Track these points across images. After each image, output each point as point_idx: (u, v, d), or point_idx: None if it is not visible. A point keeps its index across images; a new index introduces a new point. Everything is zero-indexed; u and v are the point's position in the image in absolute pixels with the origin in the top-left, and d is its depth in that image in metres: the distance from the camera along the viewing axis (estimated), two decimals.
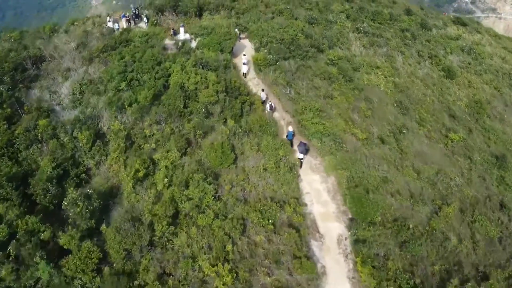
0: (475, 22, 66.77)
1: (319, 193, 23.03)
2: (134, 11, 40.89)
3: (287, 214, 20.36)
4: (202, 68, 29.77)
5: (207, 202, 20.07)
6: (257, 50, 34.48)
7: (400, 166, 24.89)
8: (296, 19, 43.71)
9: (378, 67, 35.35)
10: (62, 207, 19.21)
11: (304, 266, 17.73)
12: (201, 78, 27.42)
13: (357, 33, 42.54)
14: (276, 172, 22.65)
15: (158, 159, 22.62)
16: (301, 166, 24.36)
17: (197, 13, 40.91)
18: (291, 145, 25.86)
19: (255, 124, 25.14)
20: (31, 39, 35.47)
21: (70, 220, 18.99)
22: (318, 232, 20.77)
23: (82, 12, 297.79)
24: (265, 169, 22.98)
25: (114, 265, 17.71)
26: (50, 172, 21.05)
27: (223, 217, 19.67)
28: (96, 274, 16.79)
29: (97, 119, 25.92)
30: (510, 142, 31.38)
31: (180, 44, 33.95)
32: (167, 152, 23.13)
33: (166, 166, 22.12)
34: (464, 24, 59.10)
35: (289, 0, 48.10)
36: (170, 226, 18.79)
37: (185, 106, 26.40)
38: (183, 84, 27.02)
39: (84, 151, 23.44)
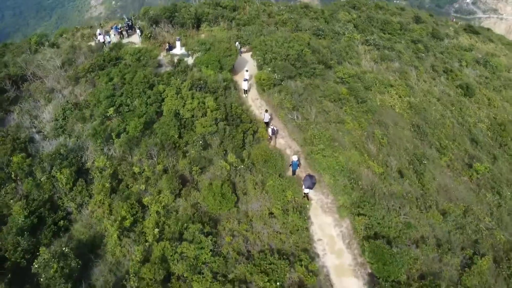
0: (485, 29, 63.79)
1: (332, 240, 20.14)
2: (127, 22, 38.04)
3: (297, 273, 17.43)
4: (200, 90, 26.89)
5: (204, 259, 17.17)
6: (260, 67, 31.56)
7: (423, 205, 21.97)
8: (301, 30, 40.93)
9: (391, 85, 32.46)
10: (32, 270, 16.28)
11: None
12: (199, 103, 24.52)
13: (367, 46, 39.65)
14: (283, 218, 19.74)
15: (148, 203, 19.69)
16: (308, 198, 21.63)
17: (195, 24, 37.99)
18: (293, 174, 23.26)
19: (258, 158, 22.22)
20: (13, 54, 32.57)
21: (41, 285, 16.07)
22: None
23: (81, 12, 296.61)
24: (271, 213, 20.10)
25: None
26: (23, 221, 18.15)
27: (223, 278, 16.76)
28: None
29: (81, 152, 23.00)
30: None
31: (175, 61, 31.00)
32: (159, 193, 20.23)
33: (157, 212, 19.22)
34: (476, 33, 56.28)
35: (293, 9, 45.29)
36: None
37: (180, 136, 23.53)
38: (178, 111, 24.12)
39: (64, 192, 20.51)
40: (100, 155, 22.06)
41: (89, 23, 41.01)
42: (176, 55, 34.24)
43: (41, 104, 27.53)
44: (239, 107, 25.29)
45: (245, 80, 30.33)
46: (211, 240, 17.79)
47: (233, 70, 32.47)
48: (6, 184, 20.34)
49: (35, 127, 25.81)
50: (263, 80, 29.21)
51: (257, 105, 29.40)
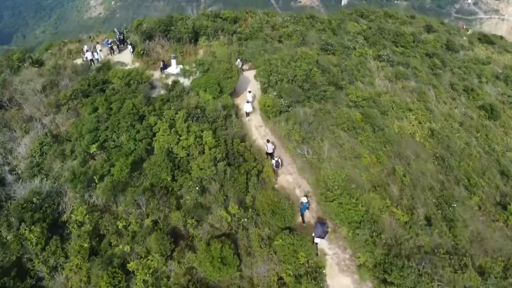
0: (499, 38, 60.56)
1: None
2: (118, 36, 34.76)
3: None
4: (197, 120, 23.69)
5: None
6: (264, 90, 28.31)
7: (457, 263, 18.73)
8: (307, 43, 37.70)
9: (410, 110, 29.23)
10: None
11: None
12: (195, 138, 21.31)
13: (380, 62, 36.40)
14: (295, 286, 16.53)
15: (134, 269, 16.48)
16: (316, 249, 18.62)
17: (192, 39, 34.75)
18: (303, 220, 20.36)
19: (265, 207, 19.00)
20: None
21: None
22: None
23: (80, 12, 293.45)
24: (280, 279, 16.92)
25: None
26: None
27: None
28: None
29: (58, 197, 19.84)
30: None
31: (170, 83, 27.77)
32: (147, 254, 17.03)
33: (144, 280, 16.01)
34: (491, 42, 53.03)
35: (298, 19, 42.05)
36: None
37: (173, 179, 20.31)
38: (171, 148, 20.90)
39: (35, 253, 17.32)
40: (80, 204, 18.88)
41: (78, 36, 37.76)
42: (171, 74, 31.07)
43: (17, 135, 24.43)
44: (241, 144, 22.00)
45: (248, 102, 27.21)
46: None
47: (234, 92, 29.27)
48: None
49: (8, 164, 22.73)
50: (268, 106, 25.98)
51: (261, 134, 26.20)
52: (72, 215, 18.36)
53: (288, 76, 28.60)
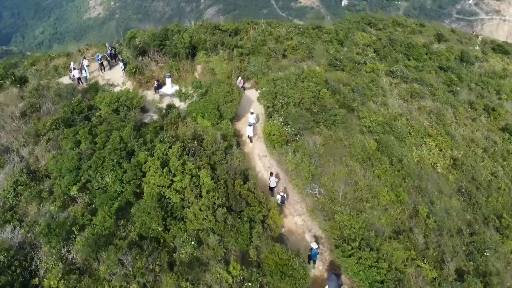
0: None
1: None
2: (110, 50, 32.01)
3: None
4: (193, 155, 20.91)
5: None
6: (268, 115, 25.56)
7: None
8: (313, 56, 34.99)
9: (429, 135, 26.48)
10: None
11: None
12: (191, 179, 18.52)
13: (392, 78, 33.65)
14: None
15: None
16: None
17: (190, 54, 31.98)
18: (313, 265, 17.93)
19: (271, 267, 16.24)
20: None
21: None
22: None
23: (80, 13, 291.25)
24: None
25: None
26: None
27: None
28: None
29: (32, 251, 17.07)
30: None
31: (164, 108, 24.99)
32: None
33: None
34: (506, 52, 50.29)
35: (303, 31, 39.26)
36: None
37: (166, 228, 17.54)
38: (164, 193, 18.12)
39: None
40: (55, 262, 16.09)
41: (66, 50, 34.95)
42: (166, 95, 28.35)
43: None
44: (243, 185, 19.18)
45: (250, 125, 24.52)
46: None
47: (235, 115, 26.53)
48: None
49: None
50: (273, 135, 23.23)
51: (265, 165, 23.47)
52: (45, 279, 15.55)
53: (294, 98, 25.86)
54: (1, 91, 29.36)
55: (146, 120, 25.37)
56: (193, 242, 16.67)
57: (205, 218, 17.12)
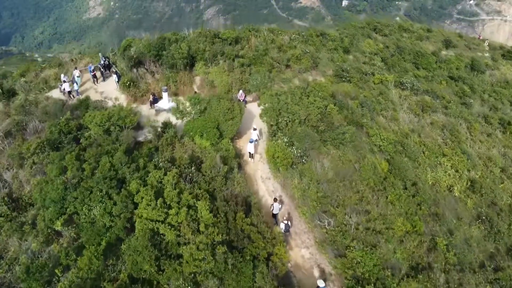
0: None
1: None
2: (103, 61, 30.20)
3: None
4: (191, 182, 19.13)
5: None
6: (272, 134, 23.77)
7: None
8: (318, 65, 33.20)
9: (444, 155, 24.71)
10: None
11: None
12: (187, 213, 16.73)
13: (402, 89, 31.87)
14: None
15: None
16: None
17: (188, 64, 30.17)
18: None
19: None
20: None
21: None
22: None
23: (80, 13, 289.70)
24: None
25: None
26: None
27: None
28: None
29: None
30: None
31: (160, 126, 23.18)
32: None
33: None
34: None
35: (307, 38, 37.44)
36: None
37: (159, 269, 15.75)
38: (157, 229, 16.33)
39: None
40: None
41: (66, 50, 33.09)
42: (163, 110, 26.56)
43: None
44: (246, 219, 17.40)
45: (251, 141, 22.78)
46: None
47: (237, 132, 24.75)
48: None
49: None
50: (278, 158, 21.44)
51: (269, 189, 21.72)
52: None
53: (300, 115, 24.08)
54: None
55: (140, 139, 23.59)
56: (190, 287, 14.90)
57: (203, 259, 15.33)
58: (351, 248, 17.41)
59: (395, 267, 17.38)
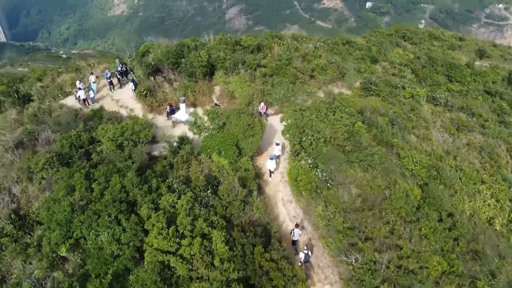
0: None
1: None
2: (120, 68, 29.09)
3: None
4: (206, 206, 17.69)
5: None
6: (295, 153, 22.13)
7: None
8: (344, 76, 31.36)
9: (482, 182, 22.55)
10: None
11: None
12: (201, 244, 15.27)
13: (434, 105, 29.75)
14: None
15: None
16: None
17: (207, 73, 28.80)
18: None
19: None
20: None
21: None
22: None
23: (104, 10, 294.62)
24: None
25: None
26: None
27: None
28: None
29: None
30: None
31: (176, 142, 21.82)
32: None
33: None
34: None
35: (332, 47, 35.59)
36: None
37: None
38: (168, 261, 14.93)
39: None
40: None
41: (76, 64, 32.25)
42: (180, 121, 25.25)
43: None
44: (265, 254, 15.83)
45: (272, 158, 21.25)
46: None
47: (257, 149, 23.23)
48: None
49: None
50: (302, 182, 19.80)
51: (290, 213, 20.13)
52: None
53: (325, 134, 22.36)
54: (2, 112, 26.92)
55: (155, 153, 22.32)
56: None
57: None
58: None
59: None
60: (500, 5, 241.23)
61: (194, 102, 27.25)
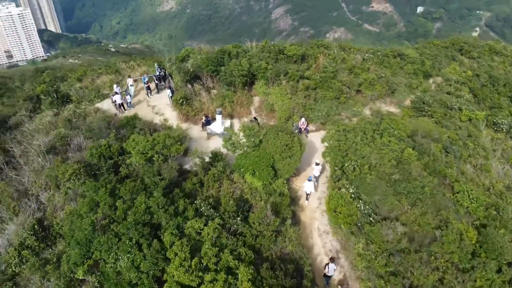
0: None
1: None
2: (158, 72, 28.37)
3: None
4: (234, 234, 16.29)
5: None
6: (335, 179, 20.26)
7: None
8: (394, 92, 29.00)
9: None
10: None
11: None
12: (225, 281, 13.86)
13: (494, 131, 26.78)
14: None
15: None
16: None
17: (247, 82, 27.45)
18: None
19: None
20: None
21: None
22: None
23: (154, 6, 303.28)
24: None
25: None
26: None
27: None
28: None
29: None
30: None
31: (209, 158, 20.57)
32: None
33: None
34: None
35: (382, 59, 33.17)
36: None
37: None
38: None
39: None
40: None
41: (116, 66, 31.92)
42: (215, 133, 24.05)
43: (5, 216, 18.61)
44: None
45: (310, 180, 19.57)
46: None
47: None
48: None
49: None
50: (340, 213, 17.94)
51: (326, 247, 18.39)
52: None
53: (370, 160, 20.33)
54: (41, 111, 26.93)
55: (187, 166, 21.29)
56: None
57: None
58: None
59: None
60: None
61: (231, 113, 26.00)
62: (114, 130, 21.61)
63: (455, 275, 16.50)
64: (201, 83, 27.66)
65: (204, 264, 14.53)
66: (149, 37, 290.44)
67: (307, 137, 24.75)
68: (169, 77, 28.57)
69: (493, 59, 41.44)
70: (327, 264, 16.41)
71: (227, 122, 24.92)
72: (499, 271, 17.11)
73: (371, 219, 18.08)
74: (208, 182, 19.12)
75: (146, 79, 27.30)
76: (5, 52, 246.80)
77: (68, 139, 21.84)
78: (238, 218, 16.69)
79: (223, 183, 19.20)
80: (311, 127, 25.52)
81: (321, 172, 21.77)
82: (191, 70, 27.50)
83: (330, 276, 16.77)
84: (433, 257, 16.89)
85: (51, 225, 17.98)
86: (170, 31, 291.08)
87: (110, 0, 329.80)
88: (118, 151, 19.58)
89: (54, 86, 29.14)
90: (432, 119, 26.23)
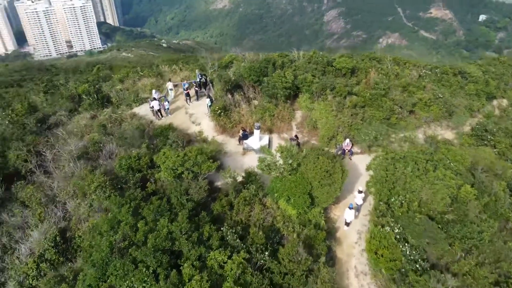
0: None
1: None
2: (199, 78, 27.42)
3: None
4: (261, 270, 14.76)
5: None
6: (379, 214, 18.17)
7: None
8: (451, 114, 26.23)
9: None
10: None
11: None
12: None
13: None
14: None
15: None
16: None
17: (290, 94, 25.80)
18: None
19: None
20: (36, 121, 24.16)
21: None
22: None
23: (207, 3, 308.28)
24: None
25: None
26: None
27: None
28: None
29: None
30: None
31: (242, 178, 19.18)
32: None
33: None
34: None
35: (440, 76, 30.29)
36: None
37: None
38: None
39: None
40: None
41: (158, 69, 31.37)
42: (251, 149, 22.67)
43: (29, 224, 18.26)
44: None
45: (351, 207, 17.77)
46: None
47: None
48: None
49: (1, 272, 16.59)
50: (381, 255, 15.91)
51: None
52: None
53: (421, 196, 18.04)
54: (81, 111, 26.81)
55: (218, 183, 20.05)
56: None
57: None
58: None
59: None
60: None
61: (271, 127, 24.48)
62: (147, 140, 20.79)
63: None
64: (242, 93, 26.35)
65: None
66: (200, 34, 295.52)
67: (351, 159, 22.79)
68: (210, 84, 27.55)
69: None
70: None
71: (265, 138, 23.45)
72: None
73: (417, 266, 15.88)
74: (238, 205, 17.75)
75: (186, 85, 26.41)
76: (66, 42, 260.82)
77: (101, 145, 21.29)
78: (267, 253, 15.14)
79: (255, 207, 17.75)
80: (356, 149, 23.46)
81: (364, 200, 19.80)
82: (233, 78, 26.25)
83: None
84: None
85: (73, 237, 17.36)
86: (221, 29, 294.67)
87: None
88: (147, 164, 18.65)
89: (96, 86, 29.04)
90: (495, 150, 23.29)
